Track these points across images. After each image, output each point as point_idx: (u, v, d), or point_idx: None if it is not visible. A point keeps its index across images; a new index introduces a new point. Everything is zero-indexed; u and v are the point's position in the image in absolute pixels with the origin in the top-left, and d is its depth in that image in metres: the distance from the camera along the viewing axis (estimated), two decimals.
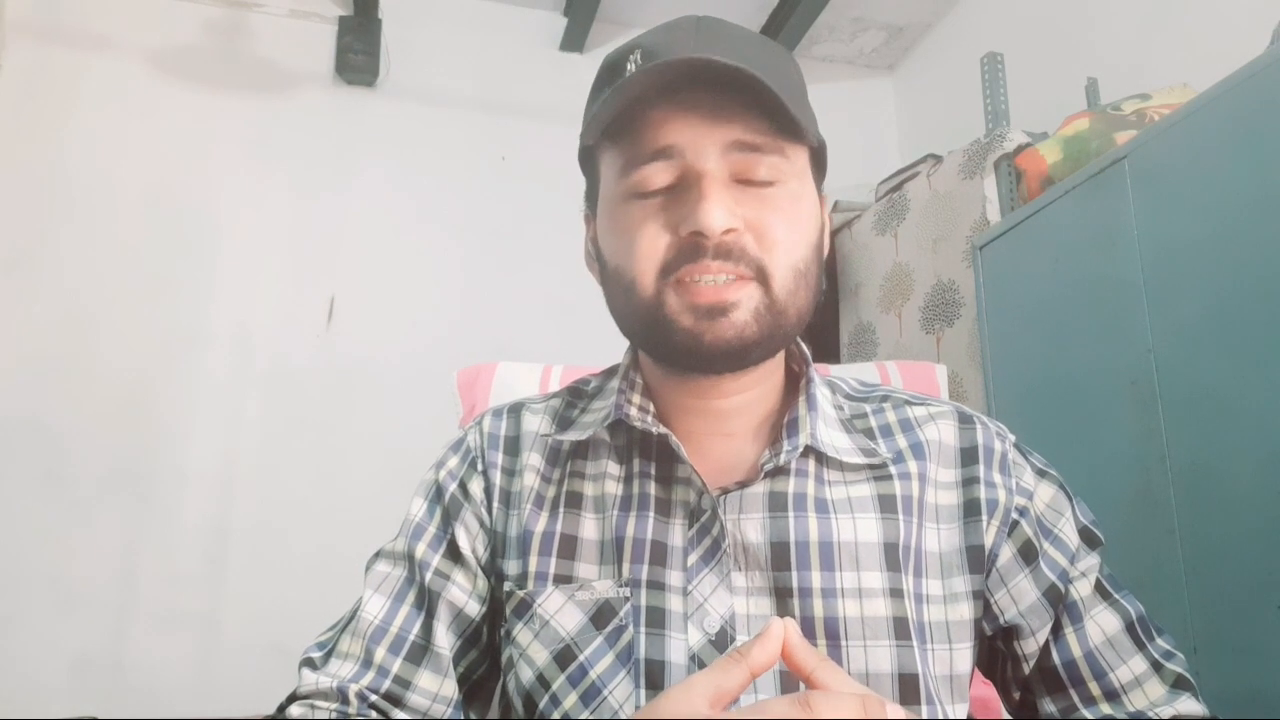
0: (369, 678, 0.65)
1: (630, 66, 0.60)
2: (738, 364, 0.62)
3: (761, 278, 0.60)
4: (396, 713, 0.65)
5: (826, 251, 0.67)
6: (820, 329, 2.55)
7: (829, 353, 2.55)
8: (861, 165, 2.81)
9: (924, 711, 0.58)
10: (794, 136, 0.61)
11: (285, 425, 2.43)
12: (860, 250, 2.49)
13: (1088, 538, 0.66)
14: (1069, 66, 2.25)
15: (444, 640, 0.66)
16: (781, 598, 0.60)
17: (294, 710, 0.64)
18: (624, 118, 0.61)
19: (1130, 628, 0.64)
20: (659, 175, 0.60)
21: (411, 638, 0.66)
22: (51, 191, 2.42)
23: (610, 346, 0.76)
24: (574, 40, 2.88)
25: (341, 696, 0.63)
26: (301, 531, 2.34)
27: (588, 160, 0.69)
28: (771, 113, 0.59)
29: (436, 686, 0.66)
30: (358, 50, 2.66)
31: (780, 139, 0.60)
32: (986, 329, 1.89)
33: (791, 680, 0.58)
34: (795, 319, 0.62)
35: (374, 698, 0.64)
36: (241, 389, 2.43)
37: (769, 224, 0.60)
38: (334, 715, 0.63)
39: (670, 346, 0.61)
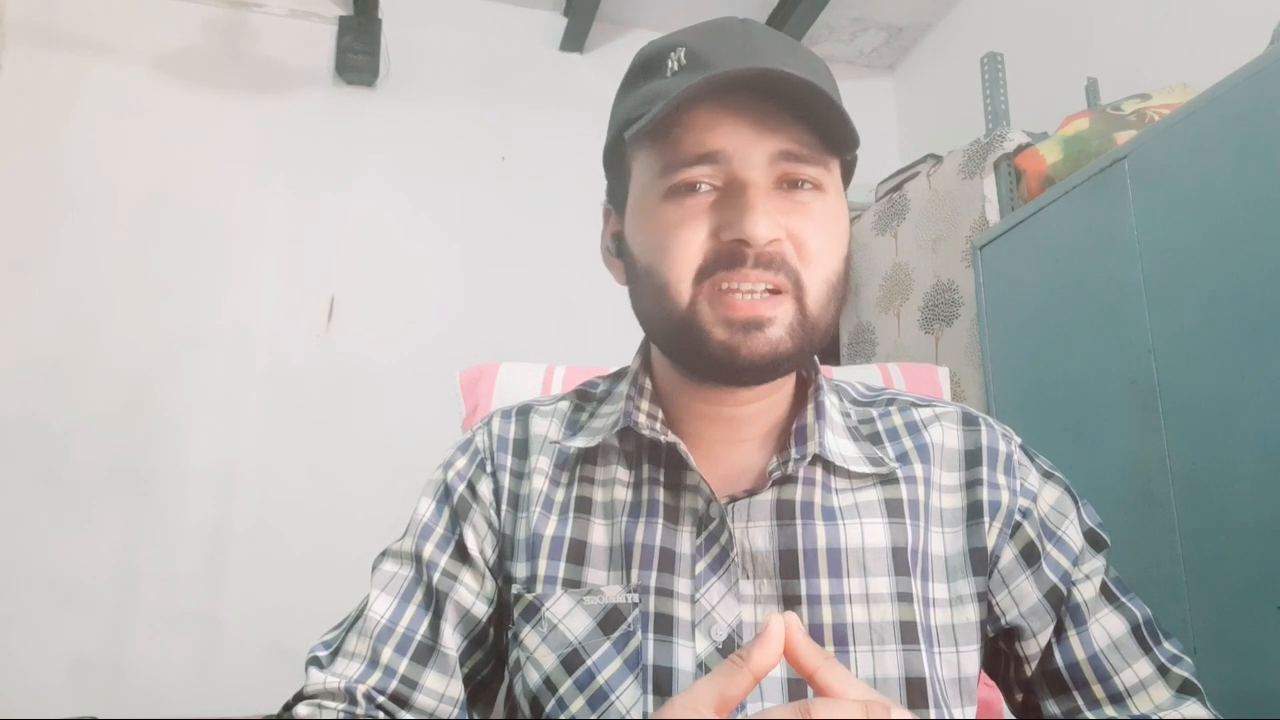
0: (375, 678, 0.65)
1: (671, 64, 0.60)
2: (769, 377, 0.62)
3: (797, 291, 0.59)
4: (403, 713, 0.65)
5: None
6: None
7: (828, 353, 2.54)
8: (861, 165, 2.76)
9: (931, 714, 0.58)
10: (838, 150, 0.61)
11: (285, 425, 2.43)
12: (860, 250, 2.49)
13: (1093, 540, 0.66)
14: (1069, 66, 2.25)
15: (451, 640, 0.66)
16: (789, 605, 0.60)
17: (301, 709, 0.64)
18: (669, 118, 0.59)
19: (1136, 631, 0.64)
20: (702, 178, 0.60)
21: (418, 638, 0.66)
22: (52, 192, 2.42)
23: (612, 346, 0.76)
24: (574, 40, 2.88)
25: (349, 697, 0.64)
26: (301, 531, 2.34)
27: (615, 155, 0.67)
28: (818, 124, 0.59)
29: (443, 687, 0.66)
30: (358, 50, 2.65)
31: (823, 151, 0.60)
32: (986, 329, 1.89)
33: (799, 687, 0.58)
34: (825, 330, 0.61)
35: (381, 698, 0.64)
36: (241, 389, 2.43)
37: (808, 236, 0.60)
38: (341, 715, 0.63)
39: (702, 357, 0.60)
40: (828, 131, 0.59)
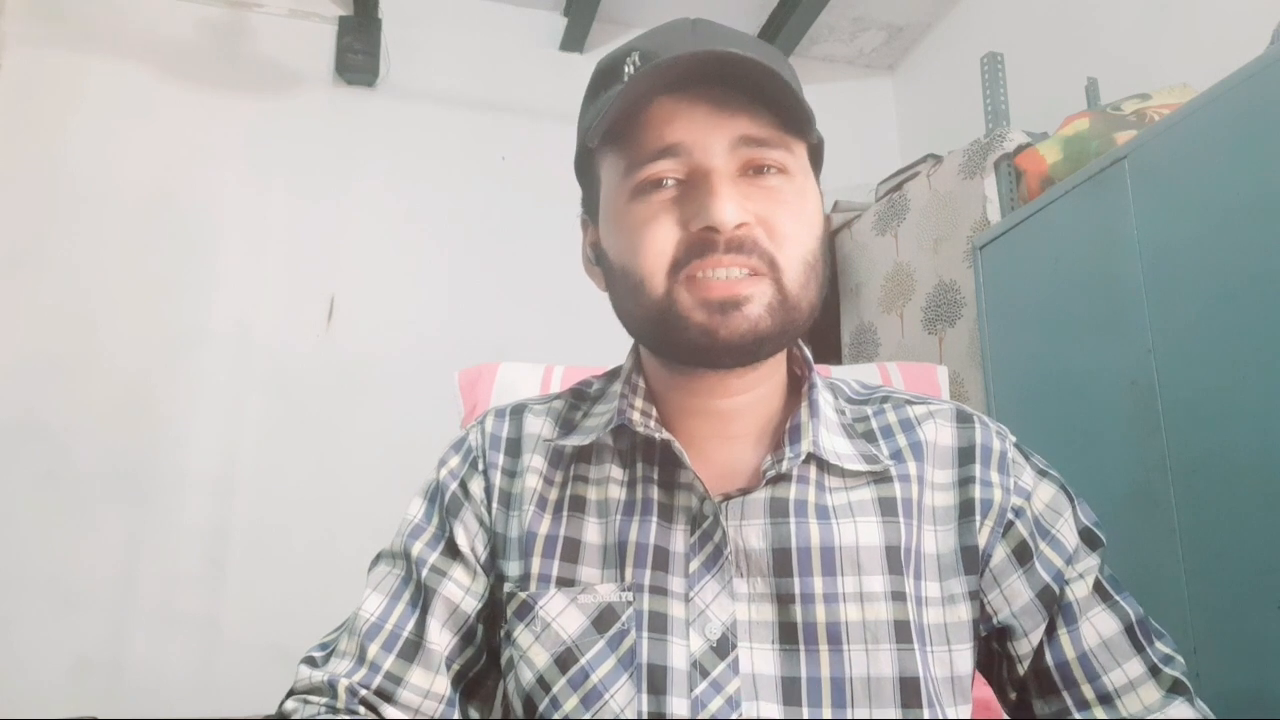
0: (360, 673, 0.65)
1: (628, 69, 0.60)
2: (750, 358, 0.61)
3: (773, 272, 0.59)
4: (388, 710, 0.65)
5: None
6: (821, 329, 2.55)
7: (830, 353, 2.55)
8: (861, 165, 2.81)
9: (925, 714, 0.58)
10: (798, 131, 0.61)
11: (286, 425, 2.43)
12: (860, 250, 2.49)
13: (1088, 538, 0.66)
14: (1069, 66, 2.25)
15: (437, 637, 0.66)
16: (783, 604, 0.60)
17: (288, 705, 0.65)
18: (626, 117, 0.60)
19: (1129, 630, 0.63)
20: (666, 173, 0.60)
21: (405, 634, 0.66)
22: (52, 191, 2.42)
23: (612, 346, 0.76)
24: (574, 40, 2.88)
25: (331, 691, 0.64)
26: (302, 531, 2.34)
27: (585, 165, 0.68)
28: (776, 106, 0.59)
29: (428, 683, 0.66)
30: (358, 50, 2.66)
31: (785, 133, 0.61)
32: (987, 329, 1.89)
33: (793, 686, 0.58)
34: (807, 311, 0.62)
35: (364, 693, 0.64)
36: (241, 389, 2.43)
37: (778, 218, 0.60)
38: (323, 709, 0.63)
39: (683, 343, 0.60)
40: (785, 113, 0.59)
